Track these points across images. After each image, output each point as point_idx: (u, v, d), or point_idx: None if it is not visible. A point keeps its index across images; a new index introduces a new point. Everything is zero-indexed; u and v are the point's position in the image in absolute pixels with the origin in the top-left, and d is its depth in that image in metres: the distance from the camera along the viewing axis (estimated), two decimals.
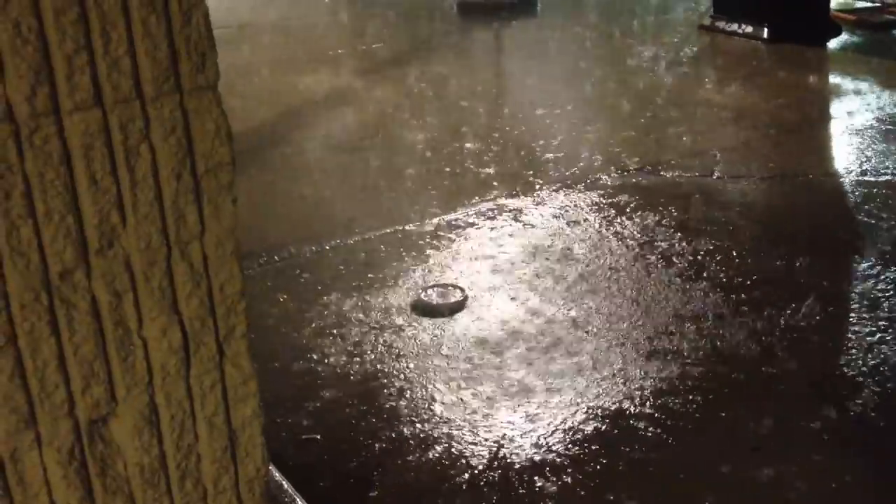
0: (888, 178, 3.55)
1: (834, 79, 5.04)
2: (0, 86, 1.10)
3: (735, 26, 5.76)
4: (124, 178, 1.20)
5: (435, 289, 2.79)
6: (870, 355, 2.37)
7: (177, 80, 1.21)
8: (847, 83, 4.84)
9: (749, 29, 5.68)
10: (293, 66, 5.48)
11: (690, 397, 2.23)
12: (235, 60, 5.63)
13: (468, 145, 4.05)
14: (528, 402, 2.24)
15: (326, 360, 2.45)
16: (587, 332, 2.53)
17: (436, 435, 2.13)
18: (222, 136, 1.26)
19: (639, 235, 3.10)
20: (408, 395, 2.28)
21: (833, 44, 5.60)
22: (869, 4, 6.61)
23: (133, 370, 1.27)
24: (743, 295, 2.69)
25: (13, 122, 1.11)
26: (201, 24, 1.20)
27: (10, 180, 1.13)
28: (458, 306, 2.70)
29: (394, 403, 2.25)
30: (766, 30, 5.57)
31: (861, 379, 2.28)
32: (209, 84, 1.23)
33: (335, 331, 2.59)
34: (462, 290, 2.78)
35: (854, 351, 2.40)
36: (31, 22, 1.10)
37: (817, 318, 2.56)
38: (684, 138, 4.07)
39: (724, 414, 2.17)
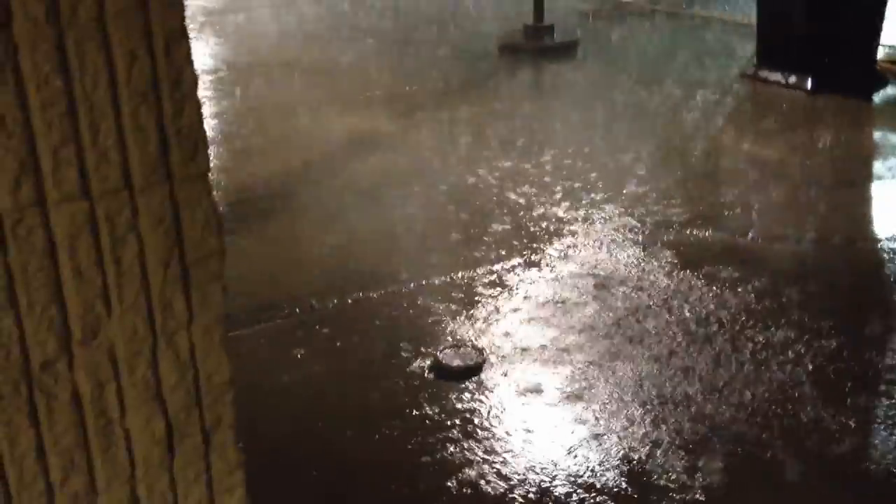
0: None
1: (879, 133, 4.93)
2: None
3: (778, 76, 5.67)
4: (110, 268, 1.18)
5: (454, 349, 2.74)
6: None
7: (167, 170, 1.19)
8: (893, 138, 4.73)
9: (793, 79, 5.58)
10: (329, 108, 5.50)
11: (711, 462, 2.15)
12: (271, 100, 5.68)
13: (501, 196, 4.01)
14: (541, 482, 2.18)
15: (341, 423, 2.41)
16: (605, 400, 2.46)
17: None
18: (212, 226, 1.23)
19: (664, 300, 3.03)
20: (419, 467, 2.24)
21: (879, 96, 5.49)
22: None
23: (114, 461, 1.24)
24: (770, 366, 2.61)
25: None
26: (193, 114, 1.18)
27: None
28: (476, 369, 2.65)
29: (407, 473, 2.21)
30: (809, 80, 5.47)
31: (887, 460, 2.18)
32: (200, 173, 1.21)
33: (351, 392, 2.56)
34: (481, 351, 2.73)
35: (887, 432, 2.31)
36: (17, 114, 1.08)
37: (848, 399, 2.47)
38: (720, 194, 3.99)
39: (748, 480, 2.09)
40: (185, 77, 1.17)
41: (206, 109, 5.50)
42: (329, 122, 5.21)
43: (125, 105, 1.14)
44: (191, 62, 1.17)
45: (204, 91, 5.89)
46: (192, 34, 7.58)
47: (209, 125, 5.21)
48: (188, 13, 8.30)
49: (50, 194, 1.13)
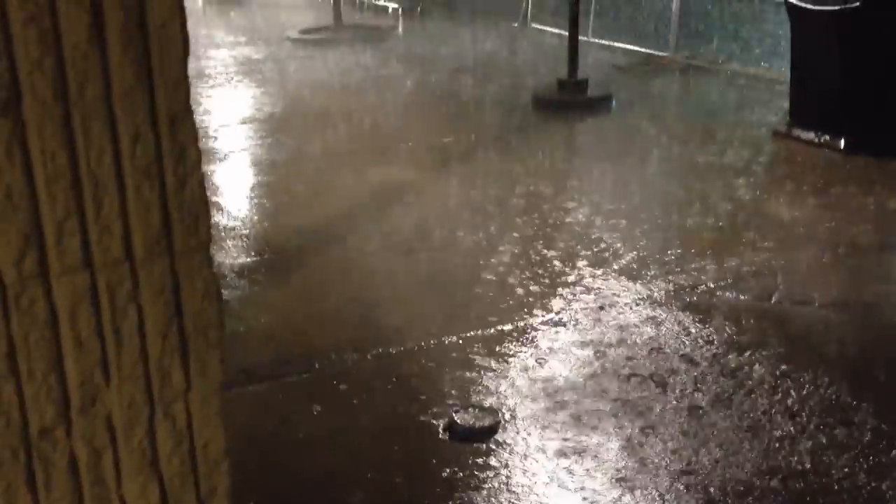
0: None
1: None
2: None
3: (811, 135, 5.63)
4: (110, 338, 1.20)
5: (469, 409, 2.73)
6: None
7: (168, 243, 1.21)
8: None
9: (826, 138, 5.54)
10: (362, 158, 5.56)
11: None
12: (305, 150, 5.76)
13: (526, 253, 4.01)
14: None
15: (351, 482, 2.41)
16: (624, 466, 2.44)
17: None
18: (211, 296, 1.25)
19: (688, 364, 3.00)
20: None
21: None
22: None
23: None
24: (795, 445, 2.56)
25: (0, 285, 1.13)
26: (195, 188, 1.21)
27: None
28: (492, 430, 2.63)
29: None
30: (843, 140, 5.43)
31: None
32: (200, 245, 1.23)
33: (363, 450, 2.55)
34: (496, 412, 2.72)
35: None
36: (23, 188, 1.12)
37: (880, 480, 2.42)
38: (746, 256, 3.95)
39: None
40: (188, 153, 1.20)
41: (241, 159, 5.59)
42: (362, 172, 5.26)
43: (129, 180, 1.17)
44: (195, 139, 1.20)
45: (240, 140, 5.99)
46: (232, 82, 7.71)
47: (244, 175, 5.30)
48: (233, 62, 8.49)
49: (53, 266, 1.15)
